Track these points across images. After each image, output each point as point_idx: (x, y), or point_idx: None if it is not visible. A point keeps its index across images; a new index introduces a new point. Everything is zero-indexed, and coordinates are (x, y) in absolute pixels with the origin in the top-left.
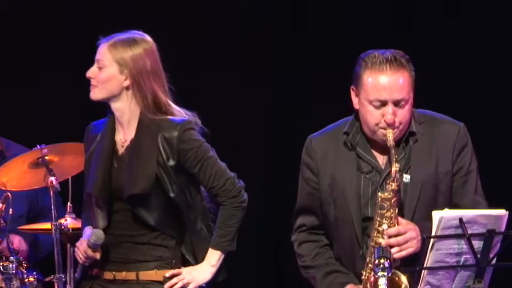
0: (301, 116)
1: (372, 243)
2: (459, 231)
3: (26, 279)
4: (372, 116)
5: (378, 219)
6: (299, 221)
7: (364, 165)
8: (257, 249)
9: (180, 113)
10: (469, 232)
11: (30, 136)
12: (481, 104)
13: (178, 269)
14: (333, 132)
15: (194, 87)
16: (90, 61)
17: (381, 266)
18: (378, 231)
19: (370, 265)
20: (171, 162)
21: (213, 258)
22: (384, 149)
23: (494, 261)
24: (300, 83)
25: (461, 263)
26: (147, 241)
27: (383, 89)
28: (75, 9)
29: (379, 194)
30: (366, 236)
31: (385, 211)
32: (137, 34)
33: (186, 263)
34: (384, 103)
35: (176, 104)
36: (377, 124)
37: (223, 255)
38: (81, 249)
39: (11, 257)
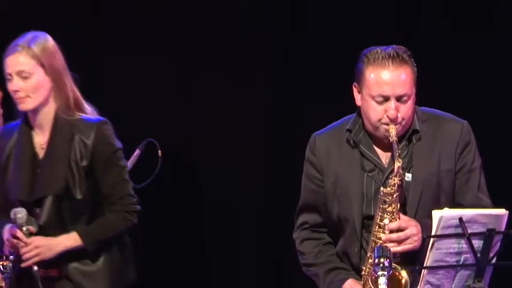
0: (301, 116)
1: (372, 238)
2: (459, 230)
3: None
4: (374, 111)
5: (380, 214)
6: (301, 219)
7: (367, 164)
8: (256, 249)
9: (89, 110)
10: (469, 231)
11: None
12: (482, 103)
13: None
14: (336, 130)
15: (194, 87)
16: (90, 61)
17: (381, 265)
18: (379, 226)
19: (370, 260)
20: (84, 163)
21: (71, 242)
22: (386, 146)
23: (494, 260)
24: (300, 83)
25: (461, 262)
26: None
27: (385, 84)
28: (76, 9)
29: (381, 188)
30: (367, 233)
31: (386, 206)
32: (38, 34)
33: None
34: (386, 99)
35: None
36: (379, 120)
37: (80, 245)
38: (13, 235)
39: (11, 257)
